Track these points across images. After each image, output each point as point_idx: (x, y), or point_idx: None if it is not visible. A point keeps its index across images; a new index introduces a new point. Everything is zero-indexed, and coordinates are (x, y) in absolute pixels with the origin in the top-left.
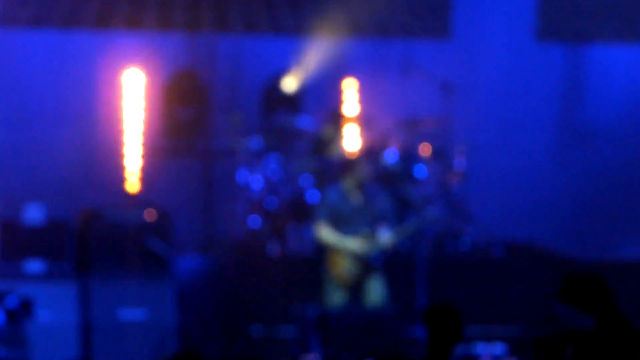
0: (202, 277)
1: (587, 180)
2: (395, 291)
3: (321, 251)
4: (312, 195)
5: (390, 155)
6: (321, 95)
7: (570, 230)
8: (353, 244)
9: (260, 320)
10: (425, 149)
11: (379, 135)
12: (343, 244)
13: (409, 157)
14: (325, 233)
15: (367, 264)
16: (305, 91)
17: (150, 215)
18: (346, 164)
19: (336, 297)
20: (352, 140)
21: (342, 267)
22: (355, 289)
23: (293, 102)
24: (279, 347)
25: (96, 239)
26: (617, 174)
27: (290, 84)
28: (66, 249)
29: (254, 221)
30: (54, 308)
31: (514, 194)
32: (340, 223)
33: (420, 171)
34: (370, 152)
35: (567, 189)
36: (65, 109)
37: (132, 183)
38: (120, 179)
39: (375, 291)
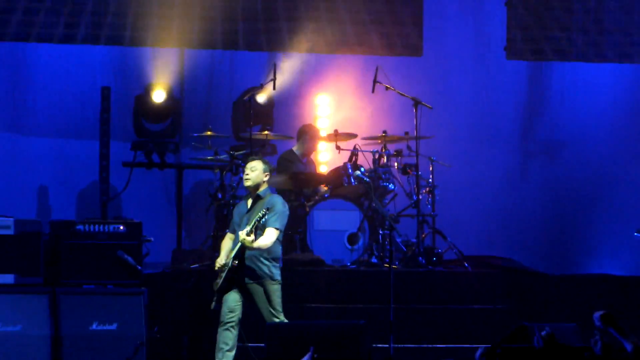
0: (171, 288)
1: (550, 193)
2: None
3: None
4: None
5: (361, 170)
6: (291, 110)
7: (534, 244)
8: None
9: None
10: (395, 164)
11: (350, 150)
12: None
13: (379, 171)
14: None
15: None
16: (275, 106)
17: (121, 227)
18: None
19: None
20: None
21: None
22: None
23: (264, 117)
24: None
25: (67, 250)
26: (579, 186)
27: (261, 98)
28: (36, 262)
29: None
30: (25, 320)
31: (481, 207)
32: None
33: (391, 185)
34: (341, 167)
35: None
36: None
37: (104, 194)
38: (92, 191)
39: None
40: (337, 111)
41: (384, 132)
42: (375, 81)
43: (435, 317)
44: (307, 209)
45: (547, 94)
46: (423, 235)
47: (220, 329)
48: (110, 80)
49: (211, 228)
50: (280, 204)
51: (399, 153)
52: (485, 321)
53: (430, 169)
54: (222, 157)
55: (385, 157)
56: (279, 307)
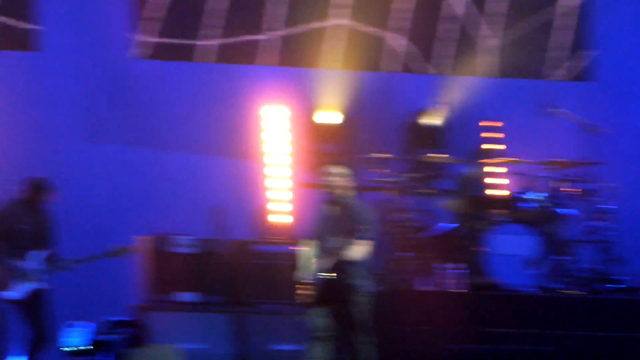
0: None
1: None
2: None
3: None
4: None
5: (535, 195)
6: (463, 133)
7: None
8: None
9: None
10: (570, 190)
11: (524, 175)
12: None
13: (553, 197)
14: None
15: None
16: (448, 129)
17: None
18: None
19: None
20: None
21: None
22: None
23: (437, 139)
24: None
25: (248, 270)
26: None
27: (434, 121)
28: (219, 281)
29: (401, 256)
30: (209, 338)
31: None
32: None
33: (566, 211)
34: (520, 191)
35: None
36: (209, 140)
37: (280, 215)
38: (267, 211)
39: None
40: (511, 135)
41: (560, 157)
42: (548, 106)
43: (616, 345)
44: (485, 233)
45: None
46: (603, 261)
47: (313, 343)
48: (283, 101)
49: (385, 251)
50: (372, 213)
51: (577, 178)
52: None
53: (609, 194)
54: (396, 179)
55: (563, 182)
56: (369, 323)
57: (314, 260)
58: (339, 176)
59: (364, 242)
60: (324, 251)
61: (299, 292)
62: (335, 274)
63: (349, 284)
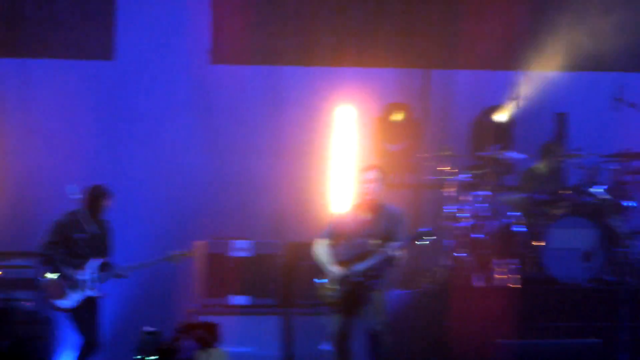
0: (407, 309)
1: None
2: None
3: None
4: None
5: (600, 188)
6: (532, 129)
7: None
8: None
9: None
10: (633, 182)
11: (590, 169)
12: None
13: (619, 190)
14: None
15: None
16: (516, 125)
17: None
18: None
19: (332, 322)
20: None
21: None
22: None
23: (504, 136)
24: None
25: (302, 272)
26: None
27: (501, 117)
28: (272, 283)
29: (460, 254)
30: (257, 341)
31: None
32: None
33: (627, 203)
34: (579, 184)
35: None
36: (279, 143)
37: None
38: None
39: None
40: (577, 128)
41: (626, 149)
42: (617, 99)
43: None
44: (543, 227)
45: None
46: None
47: (336, 347)
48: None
49: (444, 248)
50: (404, 217)
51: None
52: None
53: None
54: (460, 177)
55: (626, 174)
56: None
57: (338, 263)
58: (372, 180)
59: (397, 246)
60: (352, 254)
61: (323, 294)
62: (362, 278)
63: (373, 288)
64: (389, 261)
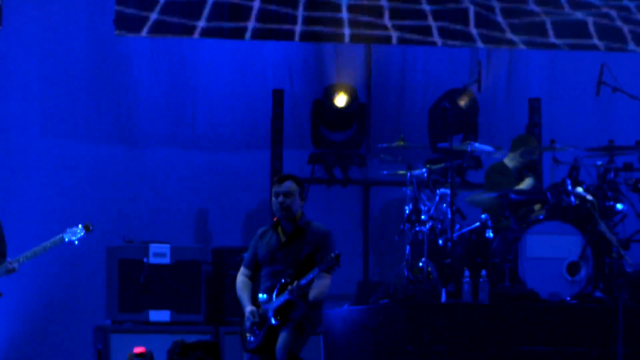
0: (360, 328)
1: None
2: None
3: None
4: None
5: (583, 186)
6: (501, 116)
7: None
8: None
9: None
10: (624, 179)
11: (570, 163)
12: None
13: (604, 190)
14: None
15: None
16: (482, 112)
17: None
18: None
19: None
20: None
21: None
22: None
23: (468, 125)
24: None
25: (233, 283)
26: None
27: (464, 102)
28: (195, 296)
29: (421, 263)
30: None
31: None
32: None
33: (619, 205)
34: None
35: None
36: (202, 130)
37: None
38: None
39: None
40: (553, 117)
41: (611, 141)
42: (600, 82)
43: None
44: (519, 233)
45: None
46: None
47: None
48: (284, 82)
49: (404, 256)
50: (332, 238)
51: (628, 166)
52: None
53: None
54: (416, 171)
55: (612, 172)
56: (301, 347)
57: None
58: (286, 194)
59: (323, 274)
60: (270, 285)
61: (242, 338)
62: (281, 317)
63: (294, 317)
64: (303, 297)
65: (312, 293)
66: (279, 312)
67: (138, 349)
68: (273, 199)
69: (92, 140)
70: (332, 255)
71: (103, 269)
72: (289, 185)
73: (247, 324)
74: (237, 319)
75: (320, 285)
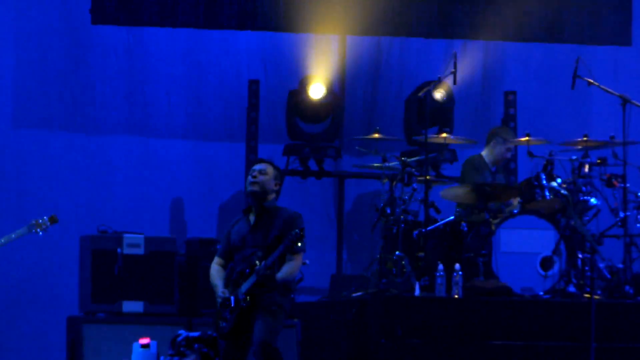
0: (330, 322)
1: None
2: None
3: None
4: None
5: (558, 181)
6: (476, 109)
7: None
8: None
9: None
10: (598, 174)
11: (545, 157)
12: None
13: (579, 183)
14: None
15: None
16: (457, 104)
17: None
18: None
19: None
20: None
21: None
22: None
23: (443, 117)
24: None
25: (205, 275)
26: None
27: (440, 95)
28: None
29: (396, 257)
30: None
31: None
32: None
33: (593, 199)
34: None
35: None
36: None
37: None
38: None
39: None
40: (528, 111)
41: (585, 136)
42: (575, 76)
43: None
44: (493, 227)
45: None
46: (631, 260)
47: None
48: (259, 72)
49: (377, 249)
50: (301, 220)
51: (603, 161)
52: None
53: None
54: (391, 164)
55: (586, 166)
56: (276, 336)
57: (231, 283)
58: (260, 171)
59: (293, 256)
60: (241, 270)
61: (215, 323)
62: (251, 298)
63: (266, 305)
64: (270, 278)
65: (280, 274)
66: (247, 293)
67: (143, 340)
68: (248, 177)
69: (64, 130)
70: (297, 230)
71: (76, 259)
72: (265, 165)
73: (220, 309)
74: (211, 311)
75: (288, 266)
